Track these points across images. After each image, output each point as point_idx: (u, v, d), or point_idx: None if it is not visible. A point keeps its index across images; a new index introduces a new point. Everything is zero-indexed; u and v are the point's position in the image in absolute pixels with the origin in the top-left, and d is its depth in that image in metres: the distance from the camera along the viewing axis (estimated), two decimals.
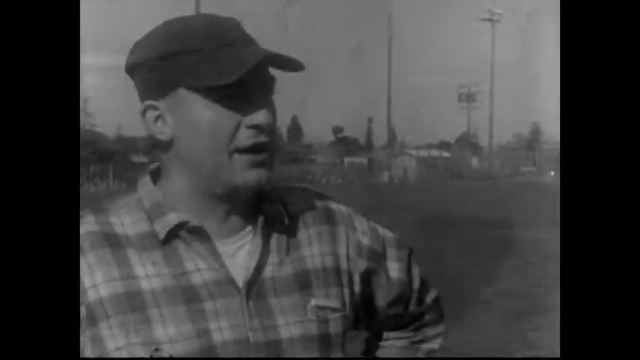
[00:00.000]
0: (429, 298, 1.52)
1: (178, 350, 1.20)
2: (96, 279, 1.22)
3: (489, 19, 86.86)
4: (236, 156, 1.23)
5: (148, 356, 1.20)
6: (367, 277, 1.39)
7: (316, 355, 1.28)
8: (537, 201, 25.88)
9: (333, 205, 1.41)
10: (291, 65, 1.24)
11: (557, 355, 1.19)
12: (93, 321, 1.21)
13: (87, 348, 1.22)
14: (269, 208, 1.30)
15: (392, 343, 1.53)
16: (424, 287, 1.50)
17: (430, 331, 1.54)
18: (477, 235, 16.33)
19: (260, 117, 1.23)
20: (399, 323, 1.51)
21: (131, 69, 1.28)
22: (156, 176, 1.32)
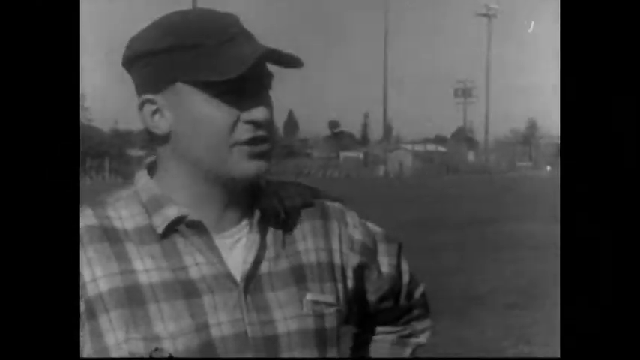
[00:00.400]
0: (418, 292, 1.54)
1: (178, 345, 1.21)
2: (95, 273, 1.22)
3: (486, 15, 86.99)
4: (235, 148, 1.23)
5: (147, 351, 1.20)
6: (360, 271, 1.40)
7: (313, 349, 1.29)
8: (533, 196, 25.93)
9: (327, 201, 1.41)
10: (290, 61, 1.24)
11: (557, 354, 1.19)
12: (93, 315, 1.21)
13: (86, 342, 1.22)
14: (265, 203, 1.31)
15: (382, 337, 1.54)
16: (413, 282, 1.52)
17: (418, 325, 1.55)
18: (473, 230, 16.35)
19: (258, 113, 1.23)
20: (389, 317, 1.52)
21: (128, 62, 1.28)
22: (153, 170, 1.32)
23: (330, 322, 1.31)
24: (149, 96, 1.25)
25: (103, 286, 1.22)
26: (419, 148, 77.71)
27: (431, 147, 79.59)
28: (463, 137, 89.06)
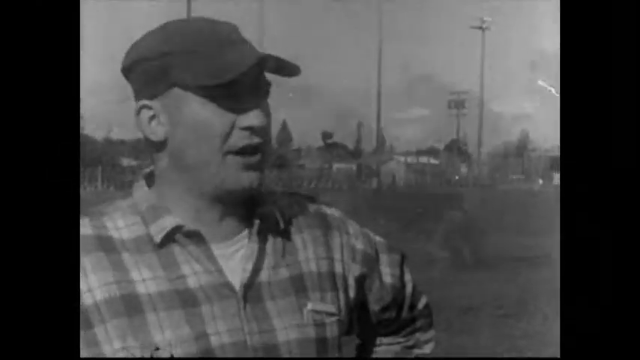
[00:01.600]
0: (421, 304, 1.53)
1: (176, 354, 1.20)
2: (91, 283, 1.22)
3: (480, 27, 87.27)
4: (229, 157, 1.22)
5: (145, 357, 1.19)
6: (361, 281, 1.39)
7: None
8: (526, 208, 25.95)
9: (326, 210, 1.41)
10: (288, 69, 1.24)
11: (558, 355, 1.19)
12: (88, 325, 1.20)
13: (82, 352, 1.20)
14: (264, 212, 1.30)
15: (386, 348, 1.53)
16: (416, 293, 1.51)
17: (422, 337, 1.55)
18: (467, 241, 16.33)
19: (253, 118, 1.23)
20: (391, 328, 1.51)
21: (127, 68, 1.28)
22: (150, 180, 1.32)
23: (331, 331, 1.31)
24: (146, 102, 1.25)
25: (99, 296, 1.21)
26: (412, 159, 77.75)
27: (424, 159, 79.62)
28: (456, 149, 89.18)
